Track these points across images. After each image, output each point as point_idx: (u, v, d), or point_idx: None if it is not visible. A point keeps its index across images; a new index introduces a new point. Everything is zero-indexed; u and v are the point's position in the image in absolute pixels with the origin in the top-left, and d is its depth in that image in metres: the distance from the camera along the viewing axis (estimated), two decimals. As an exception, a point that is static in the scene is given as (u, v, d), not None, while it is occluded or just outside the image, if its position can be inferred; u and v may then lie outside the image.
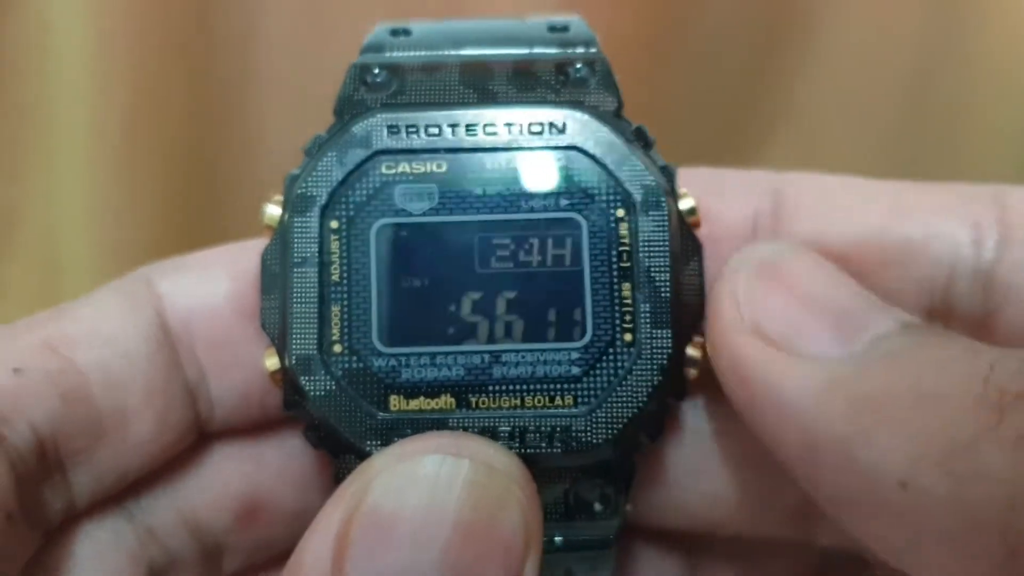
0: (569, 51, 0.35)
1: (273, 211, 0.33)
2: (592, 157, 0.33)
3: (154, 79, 0.61)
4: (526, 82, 0.34)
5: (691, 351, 0.33)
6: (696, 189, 0.34)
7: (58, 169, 0.63)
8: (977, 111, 0.62)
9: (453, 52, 0.35)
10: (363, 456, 0.31)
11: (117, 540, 0.34)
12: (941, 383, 0.26)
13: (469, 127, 0.33)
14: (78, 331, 0.33)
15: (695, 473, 0.35)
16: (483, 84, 0.34)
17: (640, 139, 0.34)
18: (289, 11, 0.59)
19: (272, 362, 0.33)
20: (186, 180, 0.63)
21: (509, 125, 0.33)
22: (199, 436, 0.35)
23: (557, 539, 0.33)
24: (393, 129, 0.33)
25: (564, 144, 0.33)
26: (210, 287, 0.35)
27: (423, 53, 0.35)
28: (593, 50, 0.35)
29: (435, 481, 0.28)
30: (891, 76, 0.62)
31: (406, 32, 0.36)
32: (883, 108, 0.63)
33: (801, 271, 0.31)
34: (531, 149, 0.33)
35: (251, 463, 0.36)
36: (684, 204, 0.33)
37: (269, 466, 0.36)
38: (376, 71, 0.34)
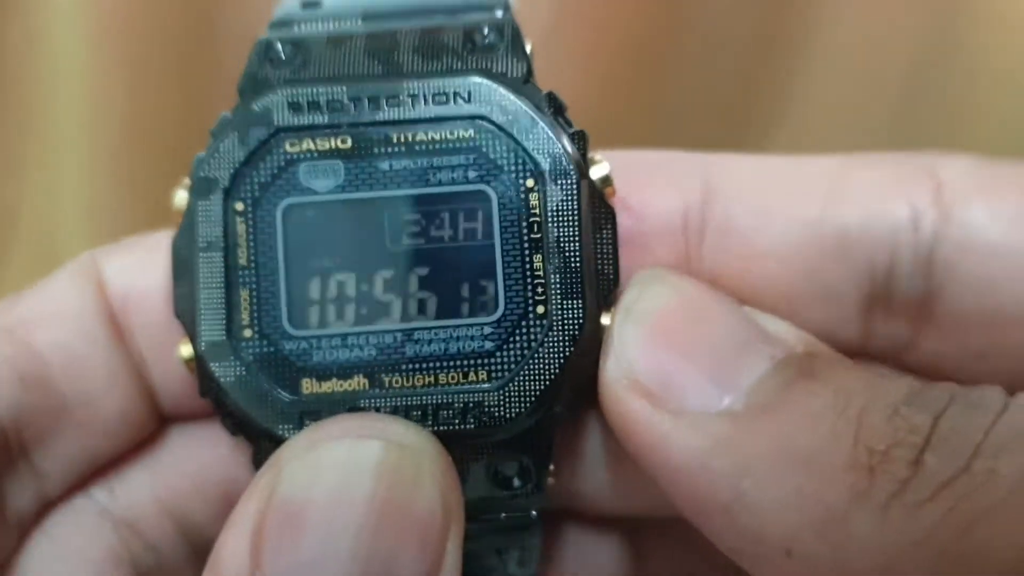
0: (480, 15, 0.34)
1: (182, 196, 0.33)
2: (499, 126, 0.32)
3: (152, 78, 0.60)
4: (432, 51, 0.33)
5: (605, 320, 0.32)
6: (621, 178, 0.33)
7: (57, 168, 0.63)
8: (975, 108, 0.61)
9: (362, 23, 0.34)
10: (278, 441, 0.31)
11: (95, 535, 0.34)
12: (812, 442, 0.26)
13: (372, 100, 0.32)
14: (35, 314, 0.33)
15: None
16: (389, 55, 0.33)
17: (551, 105, 0.33)
18: None
19: (186, 350, 0.32)
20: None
21: (413, 96, 0.32)
22: (163, 421, 0.35)
23: (478, 514, 0.32)
24: (295, 106, 0.32)
25: (470, 114, 0.32)
26: (146, 270, 0.34)
27: (331, 25, 0.34)
28: (505, 14, 0.34)
29: (345, 466, 0.28)
30: (889, 74, 0.62)
31: (316, 5, 0.35)
32: (881, 106, 0.62)
33: (675, 311, 0.30)
34: (437, 120, 0.32)
35: (225, 447, 0.35)
36: (597, 172, 0.32)
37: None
38: (280, 47, 0.33)
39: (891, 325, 0.34)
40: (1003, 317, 0.32)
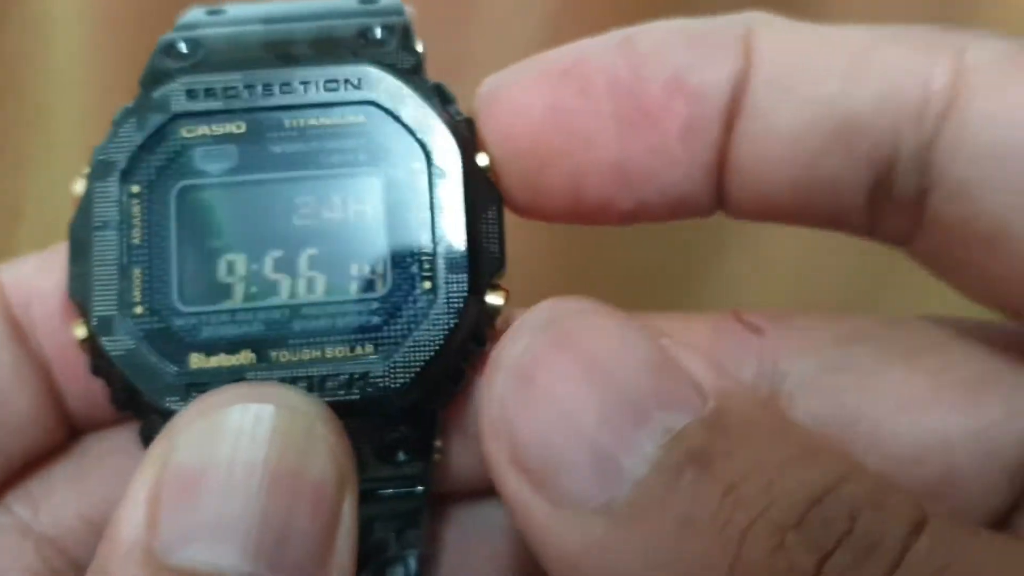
0: (375, 18, 0.35)
1: (80, 183, 0.34)
2: (387, 111, 0.33)
3: None
4: (326, 46, 0.35)
5: (491, 299, 0.33)
6: (668, 52, 0.32)
7: (59, 165, 0.63)
8: None
9: (261, 27, 0.36)
10: (165, 414, 0.31)
11: (17, 555, 0.34)
12: (682, 561, 0.24)
13: (266, 87, 0.34)
14: None
15: None
16: (284, 50, 0.35)
17: (439, 95, 0.34)
18: None
19: (80, 331, 0.33)
20: None
21: (305, 83, 0.34)
22: (73, 430, 0.35)
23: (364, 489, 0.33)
24: (192, 93, 0.34)
25: (360, 99, 0.34)
26: (45, 273, 0.35)
27: (232, 29, 0.36)
28: (397, 17, 0.36)
29: (239, 430, 0.28)
30: None
31: (221, 12, 0.36)
32: None
33: (567, 366, 0.27)
34: (328, 105, 0.34)
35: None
36: (482, 159, 0.34)
37: None
38: (181, 44, 0.35)
39: (893, 220, 0.32)
40: (979, 230, 0.30)
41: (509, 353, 0.28)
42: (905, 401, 0.33)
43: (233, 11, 0.36)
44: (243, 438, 0.28)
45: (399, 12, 0.36)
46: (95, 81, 0.61)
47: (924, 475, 0.32)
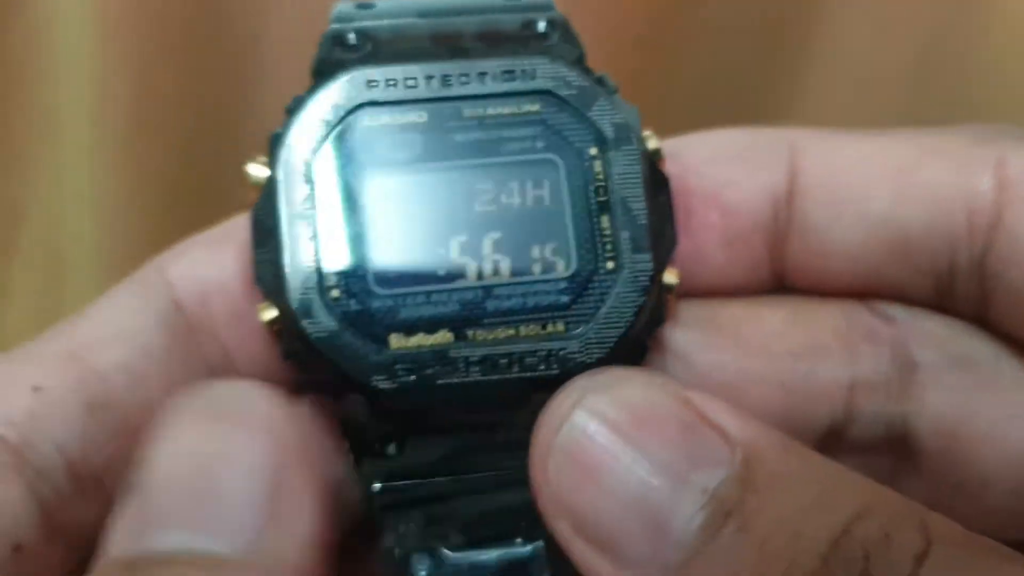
0: (529, 14, 0.37)
1: (258, 171, 0.34)
2: (563, 99, 0.35)
3: (159, 74, 0.61)
4: (494, 38, 0.36)
5: (668, 278, 0.35)
6: (706, 166, 0.36)
7: (61, 165, 0.62)
8: (985, 98, 0.63)
9: (421, 20, 0.37)
10: (371, 393, 0.33)
11: None
12: None
13: (445, 77, 0.35)
14: (95, 334, 0.34)
15: None
16: (454, 43, 0.36)
17: (602, 85, 0.36)
18: (297, 4, 0.60)
19: (268, 313, 0.33)
20: (191, 176, 0.63)
21: (482, 74, 0.35)
22: None
23: None
24: (373, 83, 0.35)
25: (536, 88, 0.35)
26: (218, 263, 0.35)
27: (392, 21, 0.37)
28: (552, 12, 0.37)
29: None
30: (899, 62, 0.63)
31: (370, 6, 0.37)
32: (889, 97, 0.64)
33: (604, 447, 0.29)
34: (505, 95, 0.35)
35: None
36: (651, 144, 0.36)
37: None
38: (350, 35, 0.36)
39: (961, 310, 0.36)
40: None
41: (553, 436, 0.30)
42: (1019, 408, 0.36)
43: (382, 6, 0.37)
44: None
45: (549, 7, 0.37)
46: (99, 82, 0.61)
47: None
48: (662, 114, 0.37)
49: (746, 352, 0.36)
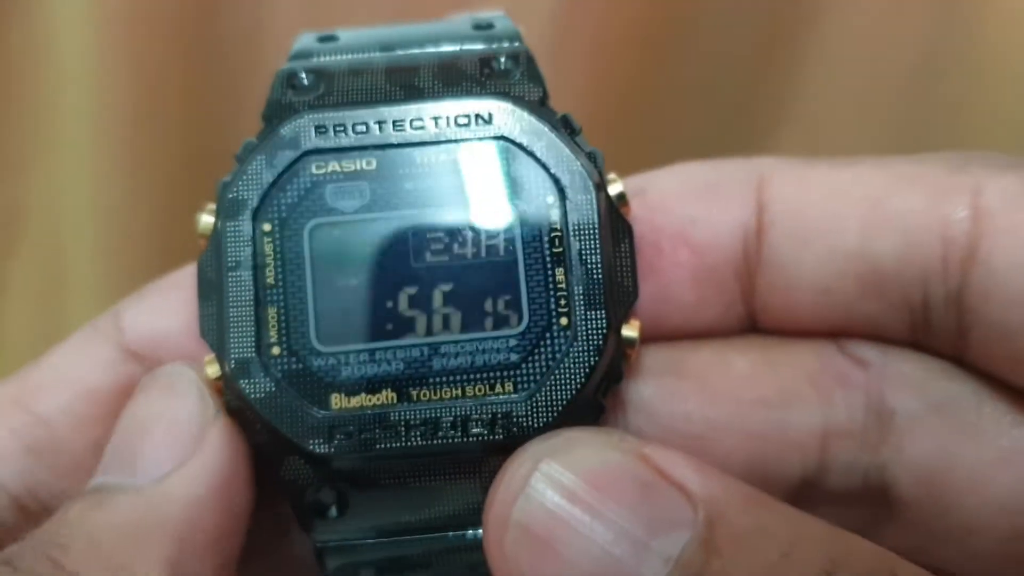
0: (494, 46, 0.35)
1: (207, 220, 0.33)
2: (520, 146, 0.33)
3: (158, 76, 0.61)
4: (451, 77, 0.34)
5: (627, 332, 0.33)
6: (672, 203, 0.34)
7: (62, 166, 0.63)
8: (982, 105, 0.61)
9: (380, 54, 0.35)
10: (309, 457, 0.32)
11: None
12: None
13: (396, 123, 0.33)
14: (42, 381, 0.35)
15: None
16: (409, 81, 0.34)
17: (566, 127, 0.34)
18: (295, 7, 0.59)
19: (212, 369, 0.33)
20: (190, 177, 0.62)
21: (436, 119, 0.33)
22: None
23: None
24: (321, 129, 0.33)
25: (491, 135, 0.33)
26: (169, 312, 0.35)
27: (350, 56, 0.35)
28: (517, 44, 0.35)
29: None
30: (896, 70, 0.62)
31: (333, 38, 0.36)
32: (887, 102, 0.63)
33: (561, 520, 0.28)
34: (459, 141, 0.33)
35: None
36: (613, 189, 0.34)
37: None
38: (303, 75, 0.34)
39: (939, 345, 0.34)
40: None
41: (508, 510, 0.29)
42: (1004, 453, 0.33)
43: (346, 37, 0.36)
44: None
45: (516, 38, 0.35)
46: (99, 84, 0.61)
47: (1018, 526, 0.33)
48: (660, 120, 0.35)
49: (713, 401, 0.34)
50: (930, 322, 0.33)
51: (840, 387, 0.34)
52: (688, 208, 0.35)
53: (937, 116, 0.61)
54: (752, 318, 0.36)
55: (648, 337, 0.34)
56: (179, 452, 0.31)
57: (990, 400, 0.34)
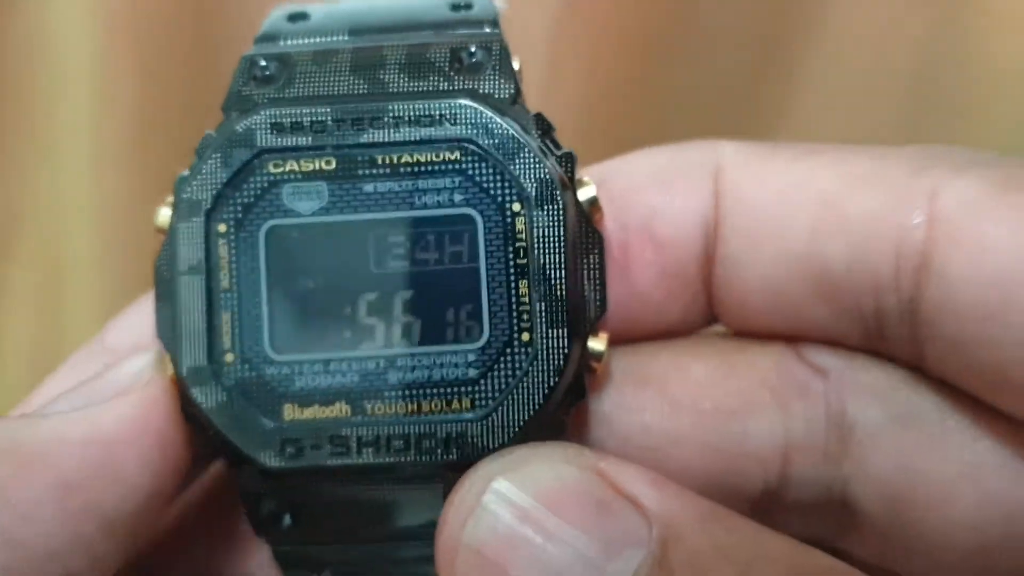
0: (468, 31, 0.33)
1: (165, 214, 0.32)
2: (484, 149, 0.31)
3: (158, 78, 0.61)
4: (418, 70, 0.32)
5: (593, 344, 0.32)
6: (630, 195, 0.33)
7: (61, 169, 0.63)
8: (982, 107, 0.59)
9: (348, 38, 0.33)
10: (261, 468, 0.31)
11: None
12: None
13: (356, 121, 0.32)
14: (46, 397, 0.34)
15: None
16: (374, 74, 0.32)
17: (539, 126, 0.32)
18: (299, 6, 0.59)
19: (169, 368, 0.32)
20: None
21: (398, 118, 0.32)
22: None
23: None
24: (278, 127, 0.32)
25: (456, 136, 0.31)
26: (147, 327, 0.34)
27: (317, 40, 0.33)
28: (492, 30, 0.33)
29: None
30: (895, 70, 0.60)
31: (304, 16, 0.34)
32: (886, 101, 0.61)
33: (514, 544, 0.27)
34: (422, 143, 0.31)
35: None
36: (584, 194, 0.32)
37: None
38: (264, 63, 0.33)
39: (895, 353, 0.33)
40: (979, 380, 0.31)
41: (459, 532, 0.28)
42: (968, 467, 0.32)
43: (317, 16, 0.34)
44: None
45: (493, 22, 0.33)
46: (99, 86, 0.60)
47: (983, 541, 0.32)
48: (659, 118, 0.34)
49: (672, 411, 0.33)
50: (884, 331, 0.32)
51: (799, 397, 0.33)
52: (648, 198, 0.33)
53: (935, 119, 0.59)
54: (716, 315, 0.35)
55: (615, 339, 0.33)
56: (96, 397, 0.31)
57: (952, 412, 0.32)
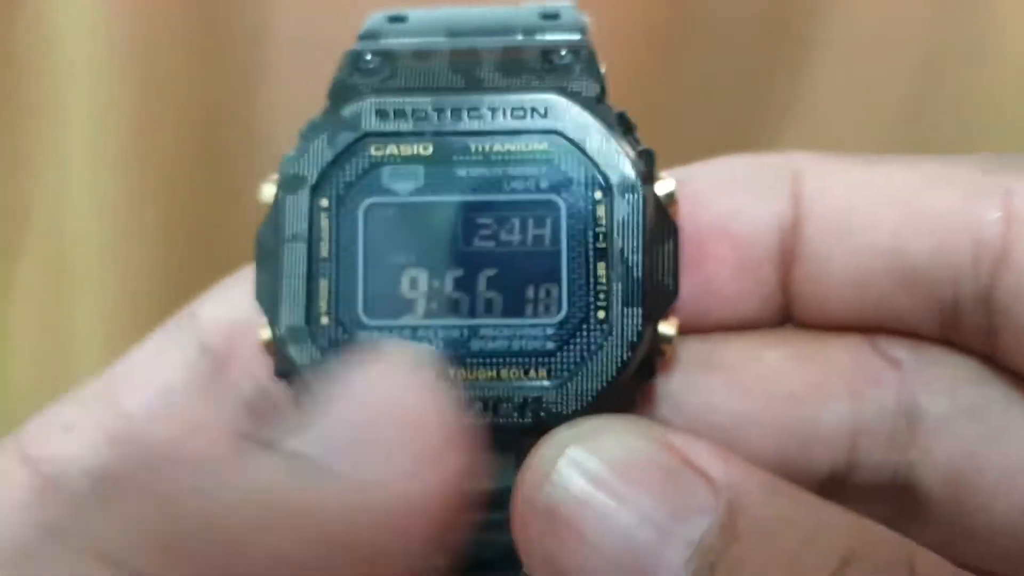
0: (558, 37, 0.36)
1: (269, 190, 0.35)
2: (572, 141, 0.34)
3: (163, 75, 0.62)
4: (512, 68, 0.36)
5: (664, 328, 0.34)
6: (708, 197, 0.35)
7: (66, 166, 0.64)
8: (989, 102, 0.61)
9: (445, 39, 0.37)
10: None
11: None
12: None
13: (454, 111, 0.35)
14: (124, 377, 0.36)
15: None
16: (471, 70, 0.35)
17: (621, 124, 0.35)
18: (301, 5, 0.60)
19: (265, 333, 0.34)
20: (195, 177, 0.64)
21: (493, 110, 0.35)
22: None
23: None
24: (382, 113, 0.35)
25: (545, 128, 0.34)
26: (241, 303, 0.36)
27: (417, 40, 0.37)
28: (581, 37, 0.36)
29: None
30: (902, 68, 0.62)
31: (402, 19, 0.37)
32: (894, 100, 0.63)
33: (587, 504, 0.28)
34: (514, 133, 0.35)
35: None
36: (662, 188, 0.35)
37: None
38: (369, 57, 0.36)
39: (969, 342, 0.34)
40: None
41: (535, 493, 0.29)
42: None
43: (415, 18, 0.37)
44: None
45: (582, 30, 0.37)
46: (104, 83, 0.61)
47: None
48: (664, 118, 0.36)
49: (742, 394, 0.35)
50: (960, 320, 0.34)
51: (872, 386, 0.35)
52: (727, 200, 0.36)
53: (944, 113, 0.61)
54: (788, 311, 0.37)
55: (687, 330, 0.35)
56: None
57: (1018, 403, 0.34)
